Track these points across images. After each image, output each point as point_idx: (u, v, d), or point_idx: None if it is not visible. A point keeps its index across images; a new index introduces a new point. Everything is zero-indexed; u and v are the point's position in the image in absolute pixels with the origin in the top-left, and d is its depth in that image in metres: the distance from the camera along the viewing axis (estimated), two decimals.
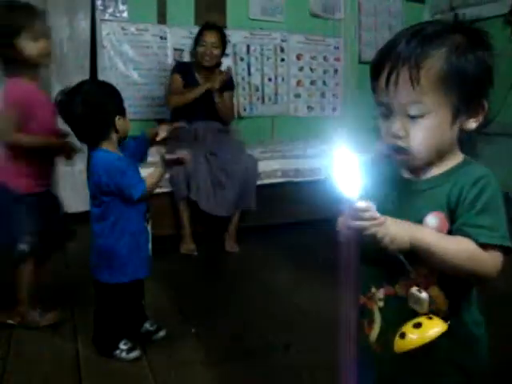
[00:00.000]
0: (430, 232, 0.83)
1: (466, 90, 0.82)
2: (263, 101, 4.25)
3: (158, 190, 2.90)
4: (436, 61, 0.81)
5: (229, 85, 3.35)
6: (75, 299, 2.27)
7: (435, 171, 0.90)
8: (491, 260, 0.81)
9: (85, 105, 1.69)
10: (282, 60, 4.30)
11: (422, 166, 0.89)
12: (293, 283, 2.53)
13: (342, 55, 4.56)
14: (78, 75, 3.53)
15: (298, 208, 3.22)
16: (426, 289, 0.87)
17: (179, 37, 3.83)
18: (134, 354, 1.83)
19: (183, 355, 1.87)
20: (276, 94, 4.31)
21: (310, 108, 4.47)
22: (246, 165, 3.05)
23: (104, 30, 3.69)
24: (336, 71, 4.57)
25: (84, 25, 3.57)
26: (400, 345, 0.83)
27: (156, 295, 2.34)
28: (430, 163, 0.89)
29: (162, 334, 1.98)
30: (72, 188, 3.54)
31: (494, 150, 4.19)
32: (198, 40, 3.26)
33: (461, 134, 0.88)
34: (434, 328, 0.82)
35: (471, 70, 0.82)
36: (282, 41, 4.27)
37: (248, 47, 4.13)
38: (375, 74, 0.87)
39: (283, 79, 4.33)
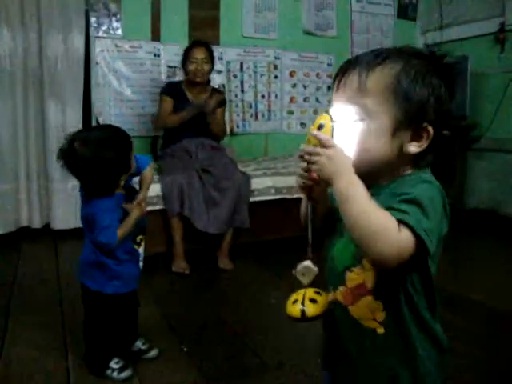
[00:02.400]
0: (361, 184, 0.80)
1: (409, 110, 0.83)
2: (256, 118, 4.27)
3: (150, 208, 2.91)
4: (387, 71, 0.83)
5: (222, 102, 3.36)
6: (65, 318, 2.24)
7: (380, 183, 0.89)
8: (397, 239, 0.75)
9: (89, 164, 1.61)
10: (276, 77, 4.33)
11: (363, 175, 0.85)
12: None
13: (335, 72, 4.59)
14: (71, 91, 3.55)
15: (291, 225, 3.21)
16: (359, 297, 0.88)
17: (173, 54, 3.85)
18: (126, 373, 1.80)
19: (175, 375, 1.84)
20: (269, 111, 4.33)
21: (303, 125, 4.48)
22: (239, 182, 3.04)
23: (98, 47, 3.71)
24: (329, 88, 4.60)
25: (78, 42, 3.57)
26: (287, 308, 0.88)
27: (147, 314, 2.31)
28: (373, 174, 0.87)
29: (153, 353, 1.95)
30: (64, 204, 3.52)
31: (483, 165, 4.27)
32: (187, 57, 3.27)
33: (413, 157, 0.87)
34: (320, 311, 0.87)
35: (417, 93, 0.83)
36: (276, 58, 4.30)
37: (241, 64, 4.16)
38: (333, 80, 0.90)
39: (276, 96, 4.36)
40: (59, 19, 3.50)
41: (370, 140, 0.83)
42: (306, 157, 0.83)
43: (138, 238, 1.83)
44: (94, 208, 1.68)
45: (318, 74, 4.53)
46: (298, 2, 4.37)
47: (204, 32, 3.95)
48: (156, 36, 3.88)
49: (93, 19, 3.68)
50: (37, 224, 3.62)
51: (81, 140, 1.63)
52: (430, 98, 0.83)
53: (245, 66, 4.18)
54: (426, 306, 0.88)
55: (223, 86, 4.06)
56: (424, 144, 0.84)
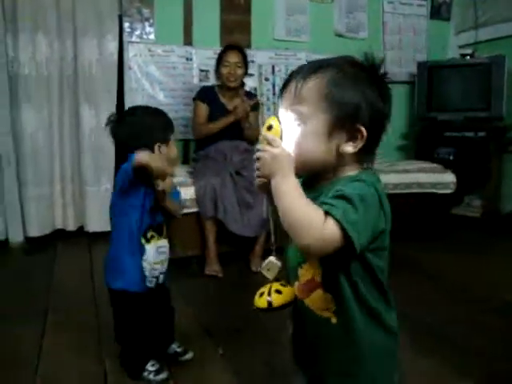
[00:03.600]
0: (295, 182, 0.87)
1: (340, 114, 0.88)
2: None
3: (184, 210, 2.92)
4: (319, 80, 0.90)
5: (254, 105, 3.35)
6: (101, 321, 2.26)
7: (320, 184, 0.95)
8: (321, 230, 0.80)
9: (124, 132, 1.74)
10: None
11: (308, 178, 0.96)
12: None
13: None
14: (105, 96, 3.60)
15: None
16: (311, 291, 0.95)
17: (205, 58, 3.87)
18: (162, 375, 1.79)
19: (211, 378, 1.83)
20: None
21: None
22: None
23: (131, 52, 3.76)
24: None
25: (112, 47, 3.64)
26: (255, 301, 1.00)
27: (181, 316, 2.30)
28: (314, 176, 0.95)
29: (189, 356, 1.95)
30: (98, 207, 3.57)
31: None
32: (220, 61, 3.27)
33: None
34: (285, 300, 0.97)
35: (348, 96, 0.88)
36: (307, 61, 4.27)
37: (273, 68, 4.15)
38: (280, 91, 0.98)
39: None
40: (93, 25, 3.56)
41: (307, 142, 0.90)
42: (256, 154, 0.91)
43: (149, 234, 1.77)
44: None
45: None
46: (330, 3, 4.34)
47: (236, 35, 3.97)
48: (188, 40, 3.91)
49: (126, 24, 3.72)
50: (71, 226, 3.68)
51: (129, 109, 1.91)
52: (362, 102, 0.88)
53: (276, 69, 4.17)
54: (376, 295, 0.93)
55: (255, 89, 4.06)
56: (359, 144, 0.89)
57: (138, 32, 3.76)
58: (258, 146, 0.91)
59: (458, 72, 4.29)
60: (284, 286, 0.98)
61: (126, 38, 3.73)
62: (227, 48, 3.31)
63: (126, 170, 1.63)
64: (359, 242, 0.81)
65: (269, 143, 0.89)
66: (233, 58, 3.23)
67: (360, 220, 0.81)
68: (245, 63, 3.29)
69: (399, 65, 4.68)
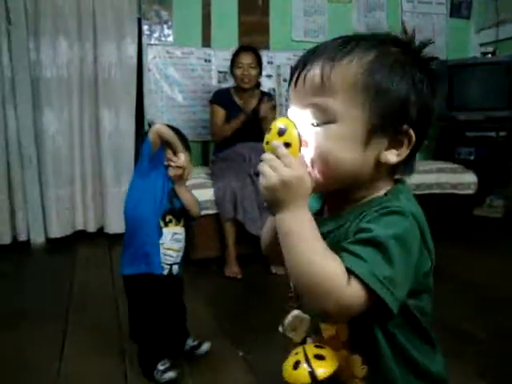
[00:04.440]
0: (311, 221, 0.66)
1: (385, 110, 0.68)
2: None
3: (203, 212, 2.92)
4: (356, 62, 0.67)
5: (272, 107, 3.35)
6: (121, 321, 2.27)
7: (349, 207, 0.73)
8: (343, 294, 0.61)
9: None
10: None
11: (333, 195, 0.74)
12: None
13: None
14: (124, 98, 3.63)
15: None
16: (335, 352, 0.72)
17: (223, 59, 3.87)
18: (169, 374, 1.76)
19: (230, 378, 1.83)
20: None
21: None
22: None
23: (150, 54, 3.78)
24: None
25: (131, 49, 3.67)
26: (289, 375, 0.70)
27: (201, 318, 2.32)
28: (342, 194, 0.73)
29: (205, 347, 1.94)
30: (118, 208, 3.58)
31: None
32: (234, 62, 3.28)
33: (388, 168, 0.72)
34: (333, 368, 0.68)
35: (394, 87, 0.68)
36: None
37: (291, 68, 4.12)
38: (291, 74, 0.74)
39: None
40: (113, 28, 3.60)
41: (336, 149, 0.67)
42: (260, 165, 0.68)
43: (168, 218, 1.80)
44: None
45: None
46: (348, 3, 4.32)
47: (254, 37, 3.96)
48: (207, 42, 3.92)
49: (145, 27, 3.75)
50: (92, 227, 3.72)
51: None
52: (411, 94, 0.68)
53: None
54: (417, 343, 0.73)
55: (273, 90, 4.05)
56: (405, 152, 0.70)
57: (156, 34, 3.78)
58: (263, 156, 0.68)
59: (478, 71, 4.23)
60: (321, 347, 0.72)
61: (144, 40, 3.76)
62: (240, 49, 3.32)
63: (147, 141, 1.71)
64: (396, 300, 0.63)
65: (278, 156, 0.66)
66: (246, 59, 3.23)
67: (397, 273, 0.63)
68: (259, 64, 3.28)
69: None
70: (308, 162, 0.69)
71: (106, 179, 3.65)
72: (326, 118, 0.68)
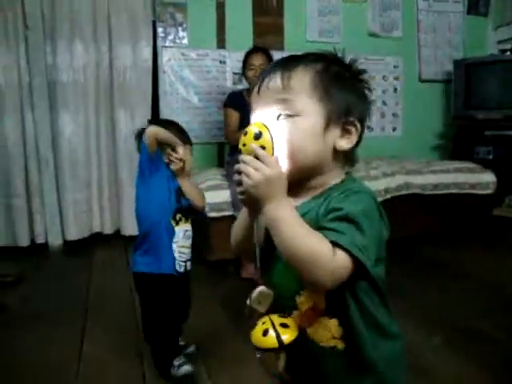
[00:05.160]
0: (292, 208, 0.78)
1: (336, 105, 0.82)
2: None
3: (219, 214, 2.92)
4: (309, 69, 0.83)
5: None
6: (139, 322, 2.28)
7: (311, 193, 0.86)
8: (332, 263, 0.73)
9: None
10: None
11: (294, 183, 0.82)
12: None
13: (402, 74, 4.49)
14: (140, 100, 3.65)
15: None
16: (314, 320, 0.84)
17: (238, 61, 3.85)
18: (186, 368, 1.78)
19: (247, 379, 1.82)
20: None
21: (369, 128, 4.38)
22: None
23: (165, 56, 3.79)
24: (395, 90, 4.49)
25: (146, 52, 3.69)
26: (259, 341, 0.80)
27: (217, 319, 2.32)
28: (306, 181, 0.85)
29: (191, 349, 1.98)
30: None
31: None
32: (245, 64, 3.26)
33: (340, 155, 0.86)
34: (295, 334, 0.80)
35: (340, 89, 0.83)
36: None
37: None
38: (252, 89, 0.88)
39: None
40: (128, 31, 3.62)
41: (303, 138, 0.81)
42: (242, 166, 0.77)
43: (178, 216, 1.81)
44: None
45: (384, 77, 4.43)
46: (363, 3, 4.29)
47: (268, 38, 3.96)
48: (221, 43, 3.93)
49: (160, 29, 3.77)
50: (108, 230, 3.74)
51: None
52: (355, 95, 0.84)
53: None
54: (381, 308, 0.87)
55: None
56: (354, 139, 0.84)
57: (171, 37, 3.80)
58: (244, 158, 0.77)
59: (496, 68, 4.17)
60: (284, 317, 0.83)
61: (159, 42, 3.77)
62: (251, 51, 3.29)
63: (143, 147, 1.75)
64: (372, 265, 0.75)
65: (257, 158, 0.76)
66: (257, 60, 3.21)
67: (369, 242, 0.75)
68: None
69: (435, 63, 4.59)
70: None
71: (122, 182, 3.66)
72: (289, 113, 0.81)
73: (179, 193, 1.83)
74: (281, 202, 0.77)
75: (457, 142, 4.42)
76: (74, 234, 3.60)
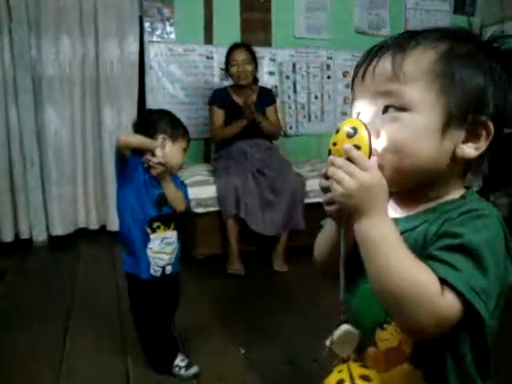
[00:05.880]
0: (393, 227, 0.62)
1: (463, 99, 0.65)
2: (309, 119, 4.23)
3: (205, 210, 2.92)
4: (430, 51, 0.65)
5: (270, 99, 3.35)
6: (123, 319, 2.27)
7: (422, 206, 0.70)
8: (438, 306, 0.58)
9: (135, 124, 1.87)
10: (328, 77, 4.27)
11: (403, 193, 0.70)
12: None
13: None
14: (126, 95, 3.62)
15: None
16: (393, 365, 0.68)
17: (225, 56, 3.85)
18: (194, 369, 1.81)
19: (233, 375, 1.83)
20: (322, 112, 4.27)
21: None
22: (294, 183, 3.00)
23: (152, 52, 3.77)
24: None
25: (133, 47, 3.66)
26: None
27: (203, 315, 2.32)
28: (414, 192, 0.69)
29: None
30: None
31: None
32: (228, 61, 3.26)
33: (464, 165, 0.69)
34: None
35: (472, 76, 0.65)
36: (328, 58, 4.24)
37: (294, 65, 4.12)
38: (356, 71, 0.71)
39: (330, 97, 4.29)
40: (115, 26, 3.59)
41: (413, 140, 0.64)
42: (332, 170, 0.63)
43: (155, 224, 1.76)
44: None
45: None
46: (351, 0, 4.30)
47: (256, 34, 3.95)
48: (209, 39, 3.90)
49: (147, 24, 3.74)
50: (94, 225, 3.71)
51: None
52: (489, 84, 0.65)
53: (297, 67, 4.14)
54: (479, 367, 0.68)
55: (275, 87, 4.04)
56: (483, 145, 0.66)
57: (158, 32, 3.77)
58: (334, 160, 0.64)
59: None
60: (366, 367, 0.67)
61: (146, 37, 3.74)
62: (233, 47, 3.29)
63: (116, 153, 1.70)
64: (487, 315, 0.58)
65: (351, 160, 0.62)
66: (239, 55, 3.21)
67: (490, 284, 0.59)
68: (253, 59, 3.26)
69: None
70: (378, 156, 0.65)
71: (107, 177, 3.63)
72: (400, 105, 0.65)
73: (161, 201, 1.77)
74: (380, 218, 0.62)
75: None
76: (59, 230, 3.57)
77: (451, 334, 0.62)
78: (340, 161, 0.62)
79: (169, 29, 3.79)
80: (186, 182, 2.96)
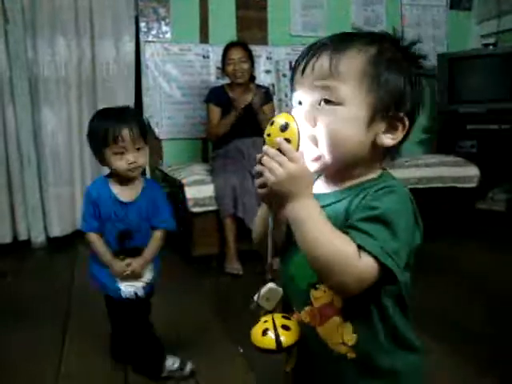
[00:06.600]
0: (317, 207, 0.73)
1: (387, 97, 0.76)
2: None
3: (203, 209, 2.92)
4: (362, 54, 0.76)
5: (267, 98, 3.34)
6: None
7: (347, 183, 0.81)
8: (357, 268, 0.68)
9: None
10: None
11: (333, 172, 0.81)
12: None
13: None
14: (123, 96, 3.62)
15: None
16: (326, 318, 0.80)
17: (221, 55, 3.84)
18: (189, 366, 1.78)
19: (231, 376, 1.82)
20: None
21: None
22: None
23: (148, 51, 3.76)
24: None
25: (129, 47, 3.66)
26: (257, 340, 0.78)
27: (201, 314, 2.32)
28: (342, 171, 0.80)
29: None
30: None
31: None
32: (224, 59, 3.27)
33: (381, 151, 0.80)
34: (295, 338, 0.77)
35: (394, 79, 0.77)
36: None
37: (290, 63, 4.11)
38: (295, 69, 0.81)
39: None
40: (110, 26, 3.59)
41: (345, 129, 0.75)
42: (265, 160, 0.73)
43: (120, 257, 1.70)
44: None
45: None
46: None
47: (252, 32, 3.95)
48: (205, 38, 3.90)
49: (142, 24, 3.73)
50: None
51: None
52: (407, 86, 0.78)
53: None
54: (401, 317, 0.82)
55: (272, 85, 4.03)
56: (399, 136, 0.79)
57: (154, 31, 3.76)
58: (267, 150, 0.73)
59: (479, 62, 4.19)
60: (288, 318, 0.80)
61: (142, 37, 3.74)
62: (229, 45, 3.29)
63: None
64: (401, 270, 0.71)
65: (281, 151, 0.72)
66: (236, 54, 3.21)
67: (400, 246, 0.71)
68: (250, 57, 3.26)
69: None
70: (314, 141, 0.76)
71: None
72: (336, 100, 0.75)
73: (124, 235, 1.69)
74: (305, 201, 0.72)
75: (441, 136, 4.44)
76: (57, 231, 3.57)
77: (373, 290, 0.73)
78: (272, 152, 0.72)
79: (164, 28, 3.78)
80: (184, 181, 2.97)
